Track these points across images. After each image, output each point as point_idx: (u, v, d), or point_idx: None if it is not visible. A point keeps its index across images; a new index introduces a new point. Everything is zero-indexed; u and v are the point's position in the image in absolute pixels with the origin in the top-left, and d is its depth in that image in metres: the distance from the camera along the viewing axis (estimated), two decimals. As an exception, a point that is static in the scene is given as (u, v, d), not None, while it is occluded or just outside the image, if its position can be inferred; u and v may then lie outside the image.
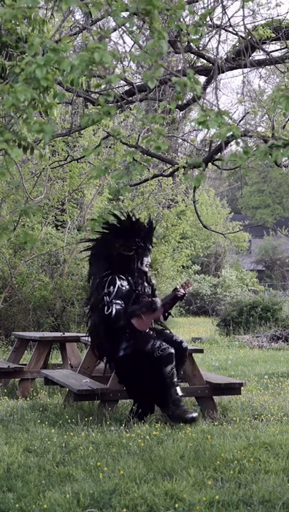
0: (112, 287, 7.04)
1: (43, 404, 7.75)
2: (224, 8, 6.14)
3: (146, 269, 7.33)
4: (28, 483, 4.93)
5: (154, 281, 7.48)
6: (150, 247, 7.40)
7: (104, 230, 7.31)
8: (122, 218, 7.31)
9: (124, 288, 7.09)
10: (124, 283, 7.12)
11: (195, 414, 6.82)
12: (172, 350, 6.86)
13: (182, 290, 7.25)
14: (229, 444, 5.90)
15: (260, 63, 7.79)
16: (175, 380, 6.87)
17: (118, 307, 6.98)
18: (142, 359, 6.89)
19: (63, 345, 9.57)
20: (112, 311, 6.96)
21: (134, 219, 7.36)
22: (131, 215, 7.39)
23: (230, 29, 7.38)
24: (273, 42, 7.95)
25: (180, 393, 6.93)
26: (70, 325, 14.36)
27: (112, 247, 7.18)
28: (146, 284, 7.28)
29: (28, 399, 8.41)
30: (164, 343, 6.88)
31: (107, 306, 6.98)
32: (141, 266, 7.26)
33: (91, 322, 7.28)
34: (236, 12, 6.85)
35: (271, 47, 8.18)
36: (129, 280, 7.16)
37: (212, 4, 7.31)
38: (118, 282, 7.07)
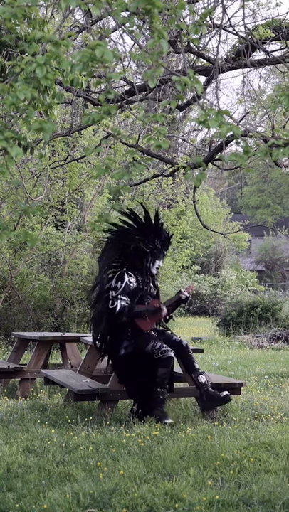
0: (119, 282, 7.04)
1: (43, 404, 7.75)
2: (224, 8, 6.14)
3: (155, 273, 7.34)
4: (28, 483, 4.92)
5: (158, 283, 7.49)
6: (165, 252, 7.40)
7: (129, 221, 7.31)
8: (150, 215, 7.31)
9: (131, 285, 7.09)
10: (133, 280, 7.11)
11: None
12: (172, 354, 6.88)
13: (186, 293, 7.29)
14: (229, 444, 5.89)
15: (260, 63, 7.79)
16: (166, 382, 6.91)
17: (123, 303, 6.97)
18: (142, 359, 6.90)
19: (63, 345, 9.56)
20: (116, 306, 6.96)
21: (160, 221, 7.38)
22: (160, 215, 7.39)
23: (230, 29, 7.38)
24: (273, 42, 7.96)
25: (204, 381, 7.00)
26: (70, 325, 14.36)
27: (132, 239, 7.18)
28: (152, 285, 7.29)
29: (28, 399, 8.40)
30: (164, 345, 6.89)
31: (112, 301, 6.99)
32: (152, 267, 7.26)
33: (94, 311, 7.28)
34: (236, 12, 6.86)
35: (271, 47, 8.19)
36: (138, 278, 7.16)
37: (212, 4, 7.31)
38: (126, 278, 7.07)
